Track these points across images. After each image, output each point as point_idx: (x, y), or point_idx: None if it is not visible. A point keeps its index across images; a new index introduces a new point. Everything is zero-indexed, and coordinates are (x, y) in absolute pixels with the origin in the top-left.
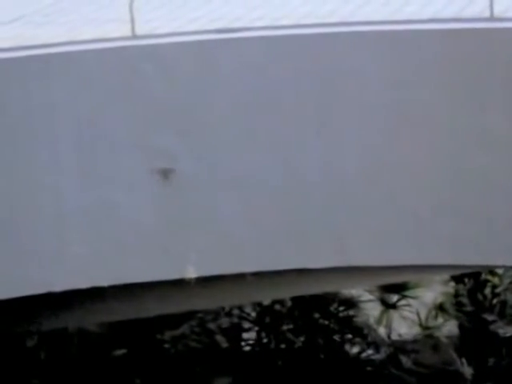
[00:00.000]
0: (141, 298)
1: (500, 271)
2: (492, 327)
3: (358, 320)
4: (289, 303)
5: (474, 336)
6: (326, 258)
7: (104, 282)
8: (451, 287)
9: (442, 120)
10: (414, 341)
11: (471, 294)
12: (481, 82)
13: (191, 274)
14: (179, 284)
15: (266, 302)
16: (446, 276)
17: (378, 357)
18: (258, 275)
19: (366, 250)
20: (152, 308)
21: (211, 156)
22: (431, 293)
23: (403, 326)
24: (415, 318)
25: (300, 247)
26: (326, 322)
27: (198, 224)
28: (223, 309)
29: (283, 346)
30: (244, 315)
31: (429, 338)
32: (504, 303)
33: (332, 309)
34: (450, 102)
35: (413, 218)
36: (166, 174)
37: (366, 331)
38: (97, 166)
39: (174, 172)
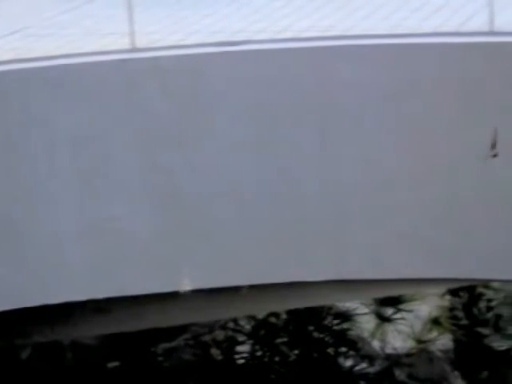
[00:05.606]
0: (136, 311)
1: (495, 285)
2: (486, 341)
3: (353, 333)
4: (284, 316)
5: (469, 350)
6: (322, 271)
7: (100, 294)
8: (446, 301)
9: (441, 134)
10: (409, 354)
11: (466, 307)
12: (479, 96)
13: (186, 286)
14: (174, 297)
15: (261, 315)
16: (441, 289)
17: (372, 370)
18: (253, 288)
19: (362, 264)
20: (147, 321)
21: (208, 169)
22: (426, 306)
23: (398, 339)
24: (410, 331)
25: (296, 260)
26: (321, 335)
27: (193, 237)
28: (218, 322)
29: (277, 359)
30: (238, 328)
31: (423, 351)
32: (499, 317)
33: (327, 322)
34: (449, 115)
35: (409, 231)
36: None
37: (360, 344)
38: (94, 179)
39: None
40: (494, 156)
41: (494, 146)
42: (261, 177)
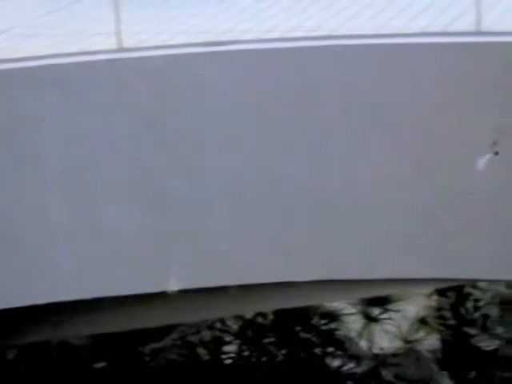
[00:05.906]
0: (123, 311)
1: (482, 285)
2: (474, 341)
3: (340, 333)
4: (271, 316)
5: (456, 350)
6: (310, 272)
7: (87, 294)
8: (433, 301)
9: (429, 134)
10: (396, 354)
11: (453, 307)
12: (467, 96)
13: (173, 286)
14: (162, 297)
15: (249, 315)
16: (429, 289)
17: (359, 370)
18: (241, 288)
19: (350, 264)
20: (135, 321)
21: (197, 169)
22: (413, 306)
23: (385, 339)
24: (397, 331)
25: (283, 260)
26: (308, 336)
27: (181, 237)
28: (205, 322)
29: (264, 359)
30: (226, 328)
31: (410, 351)
32: (486, 317)
33: (314, 322)
34: (436, 116)
35: (396, 231)
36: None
37: (347, 344)
38: (83, 179)
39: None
40: (496, 154)
41: (494, 143)
42: (249, 177)
